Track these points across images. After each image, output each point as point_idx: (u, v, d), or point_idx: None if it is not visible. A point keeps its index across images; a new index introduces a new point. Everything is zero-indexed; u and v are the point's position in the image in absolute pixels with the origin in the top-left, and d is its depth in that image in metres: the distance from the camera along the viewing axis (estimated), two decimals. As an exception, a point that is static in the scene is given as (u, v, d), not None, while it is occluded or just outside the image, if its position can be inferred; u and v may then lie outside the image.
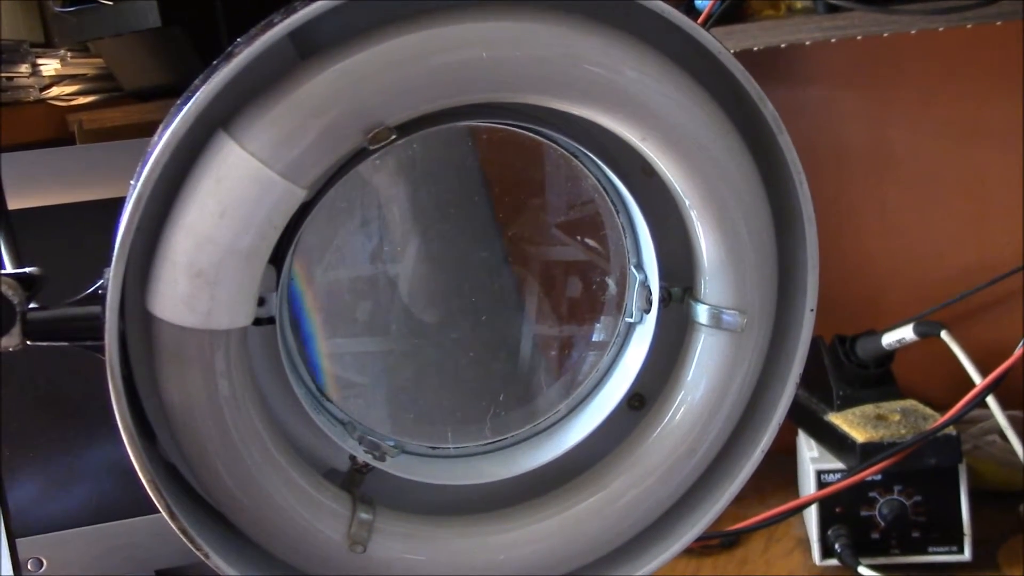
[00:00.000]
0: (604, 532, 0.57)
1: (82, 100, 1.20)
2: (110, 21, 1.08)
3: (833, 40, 0.98)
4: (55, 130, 1.18)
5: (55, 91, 1.17)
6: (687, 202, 0.53)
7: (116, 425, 0.48)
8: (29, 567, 0.95)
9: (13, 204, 0.76)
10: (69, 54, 1.18)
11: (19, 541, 0.92)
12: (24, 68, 1.13)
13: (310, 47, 0.48)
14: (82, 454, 0.96)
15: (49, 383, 0.95)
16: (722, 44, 0.50)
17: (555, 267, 0.65)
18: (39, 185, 0.95)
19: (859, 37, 0.98)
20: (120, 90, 1.23)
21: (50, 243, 0.92)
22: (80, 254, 0.89)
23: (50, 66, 1.16)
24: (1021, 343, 0.85)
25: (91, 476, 0.96)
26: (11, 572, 0.68)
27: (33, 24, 1.19)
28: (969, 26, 0.99)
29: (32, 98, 1.14)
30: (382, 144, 0.48)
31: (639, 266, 0.59)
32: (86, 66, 1.21)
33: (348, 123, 0.47)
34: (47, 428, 0.95)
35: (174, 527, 0.49)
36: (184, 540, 0.50)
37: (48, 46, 1.18)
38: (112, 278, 0.45)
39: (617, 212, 0.59)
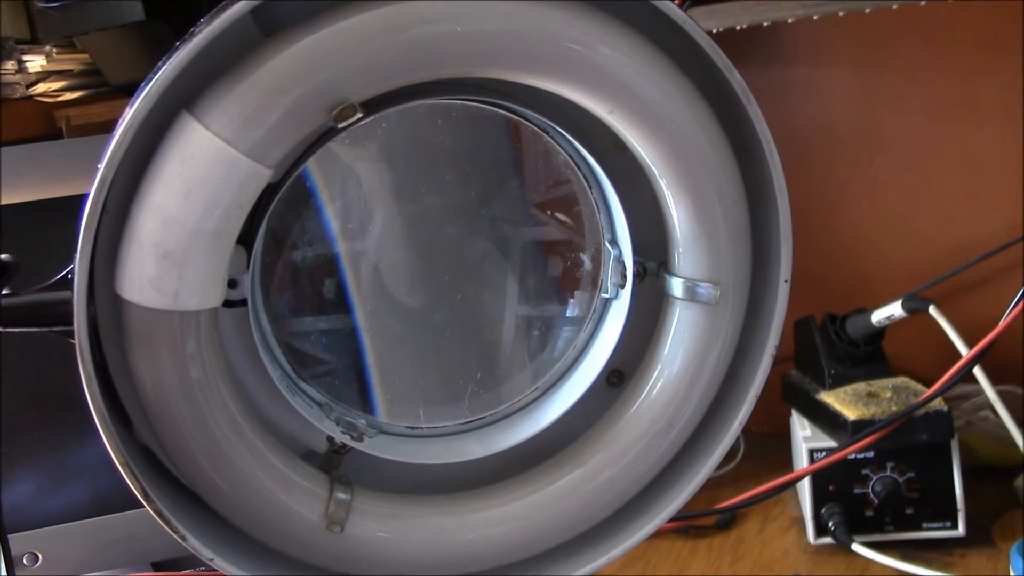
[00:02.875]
0: (582, 509, 0.57)
1: (69, 96, 1.20)
2: (94, 16, 1.08)
3: (815, 17, 0.97)
4: (43, 126, 1.18)
5: (42, 87, 1.17)
6: (657, 173, 0.53)
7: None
8: (25, 562, 0.94)
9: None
10: (55, 50, 1.18)
11: (15, 536, 0.92)
12: (10, 65, 1.13)
13: (273, 24, 0.48)
14: (77, 448, 0.96)
15: (42, 377, 0.95)
16: (688, 16, 0.50)
17: (531, 245, 0.65)
18: (27, 180, 0.95)
19: (841, 13, 0.98)
20: (107, 85, 1.23)
21: (40, 238, 0.92)
22: (70, 248, 0.89)
23: (36, 62, 1.16)
24: (1004, 315, 0.85)
25: (86, 470, 0.96)
26: (3, 568, 0.68)
27: (18, 20, 1.19)
28: (951, 0, 0.98)
29: (19, 95, 1.14)
30: (348, 122, 0.48)
31: (613, 241, 0.59)
32: (72, 62, 1.21)
33: (312, 101, 0.47)
34: (41, 423, 0.95)
35: (150, 510, 0.50)
36: (160, 523, 0.50)
37: (34, 42, 1.17)
38: (78, 260, 0.46)
39: (590, 188, 0.59)
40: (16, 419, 0.93)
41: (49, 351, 0.94)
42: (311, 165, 0.54)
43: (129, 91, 1.19)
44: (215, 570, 0.54)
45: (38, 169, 0.97)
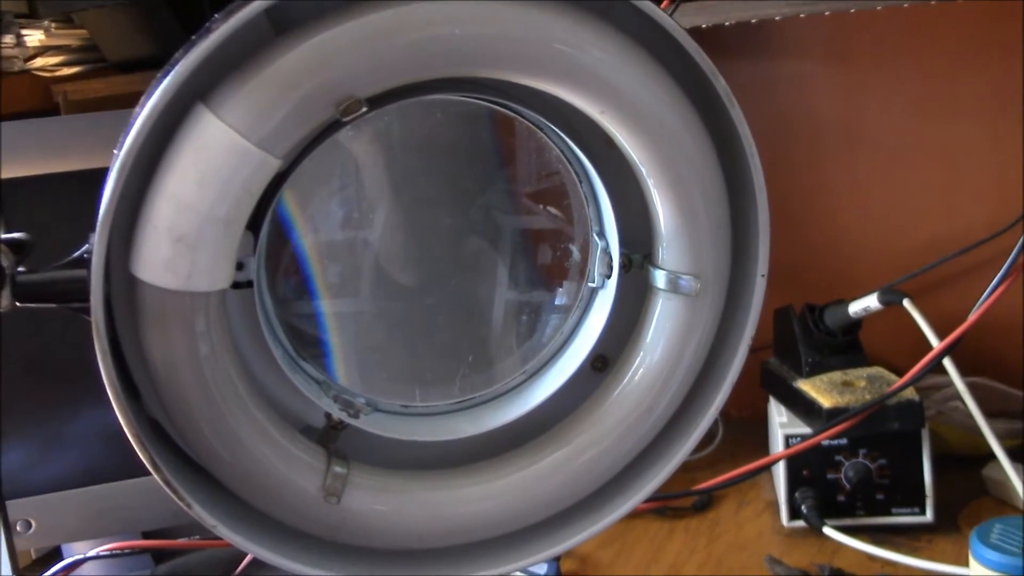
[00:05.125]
0: (566, 486, 0.59)
1: (66, 71, 1.20)
2: (94, -8, 1.09)
3: (802, 15, 0.99)
4: (40, 101, 1.17)
5: (39, 62, 1.17)
6: (644, 172, 0.56)
7: (102, 384, 0.50)
8: (18, 528, 0.95)
9: (-2, 174, 0.77)
10: (53, 25, 1.18)
11: (8, 503, 0.94)
12: (8, 39, 1.13)
13: (285, 23, 0.50)
14: (70, 418, 0.96)
15: (37, 348, 0.95)
16: (677, 23, 0.52)
17: (522, 235, 0.66)
18: (24, 155, 0.96)
19: (827, 13, 0.99)
20: (104, 61, 1.23)
21: (35, 212, 0.93)
22: (65, 223, 0.89)
23: (34, 37, 1.16)
24: (974, 309, 0.87)
25: (79, 439, 0.96)
26: (3, 533, 0.70)
27: (18, -5, 1.20)
28: (933, 2, 1.00)
29: (17, 69, 1.14)
30: (354, 116, 0.50)
31: (601, 234, 0.62)
32: (70, 37, 1.21)
33: (320, 96, 0.49)
34: (35, 392, 0.96)
35: (157, 479, 0.51)
36: (167, 491, 0.52)
37: (32, 17, 1.18)
38: (97, 242, 0.48)
39: (580, 182, 0.61)
40: (12, 389, 0.94)
41: (45, 322, 0.94)
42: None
43: (126, 68, 1.20)
44: (211, 538, 0.56)
45: (37, 144, 0.98)
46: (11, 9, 1.16)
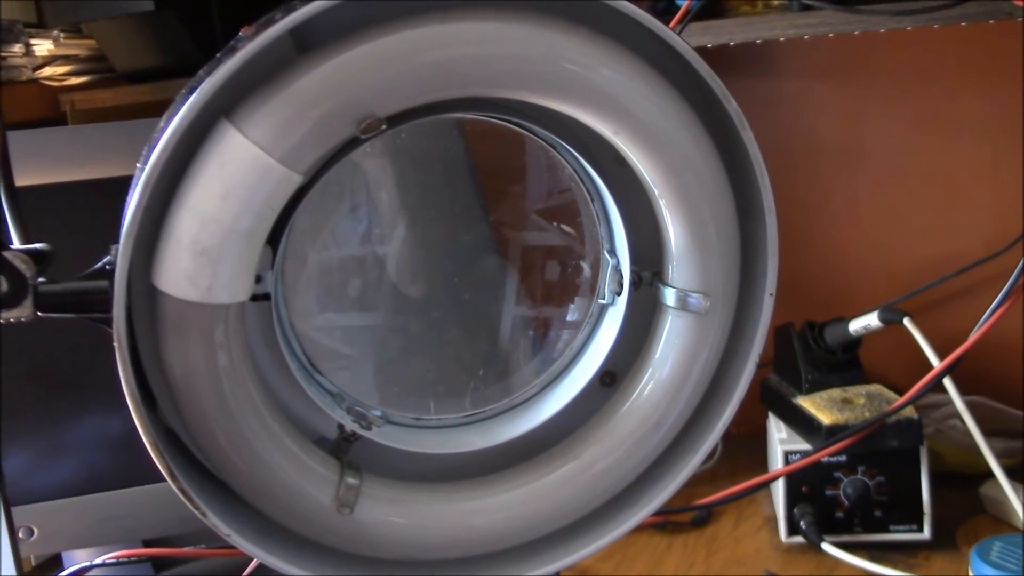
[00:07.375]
0: (575, 499, 0.60)
1: (75, 81, 1.21)
2: (103, 3, 1.09)
3: (806, 37, 1.00)
4: (48, 110, 1.19)
5: (48, 71, 1.18)
6: (656, 191, 0.56)
7: (121, 392, 0.50)
8: (20, 535, 0.96)
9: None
10: (62, 35, 1.19)
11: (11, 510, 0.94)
12: (17, 48, 1.14)
13: (308, 42, 0.51)
14: (73, 426, 0.97)
15: (41, 356, 0.96)
16: (689, 46, 0.53)
17: (534, 251, 0.67)
18: (31, 164, 0.97)
19: (831, 35, 1.00)
20: (112, 71, 1.24)
21: (41, 222, 0.93)
22: (71, 232, 0.90)
23: (43, 47, 1.17)
24: (974, 330, 0.88)
25: (82, 447, 0.97)
26: (7, 539, 0.70)
27: (26, 5, 1.20)
28: (936, 26, 1.01)
29: (25, 78, 1.15)
30: (373, 133, 0.51)
31: (612, 251, 0.63)
32: (79, 47, 1.22)
33: (342, 114, 0.50)
34: (39, 400, 0.96)
35: (174, 487, 0.52)
36: (183, 499, 0.52)
37: (41, 27, 1.18)
38: (121, 255, 0.48)
39: (592, 200, 0.62)
40: (14, 396, 0.94)
41: (49, 330, 0.95)
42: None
43: (134, 78, 1.21)
44: (216, 546, 0.56)
45: (44, 153, 0.98)
46: (20, 18, 1.16)
